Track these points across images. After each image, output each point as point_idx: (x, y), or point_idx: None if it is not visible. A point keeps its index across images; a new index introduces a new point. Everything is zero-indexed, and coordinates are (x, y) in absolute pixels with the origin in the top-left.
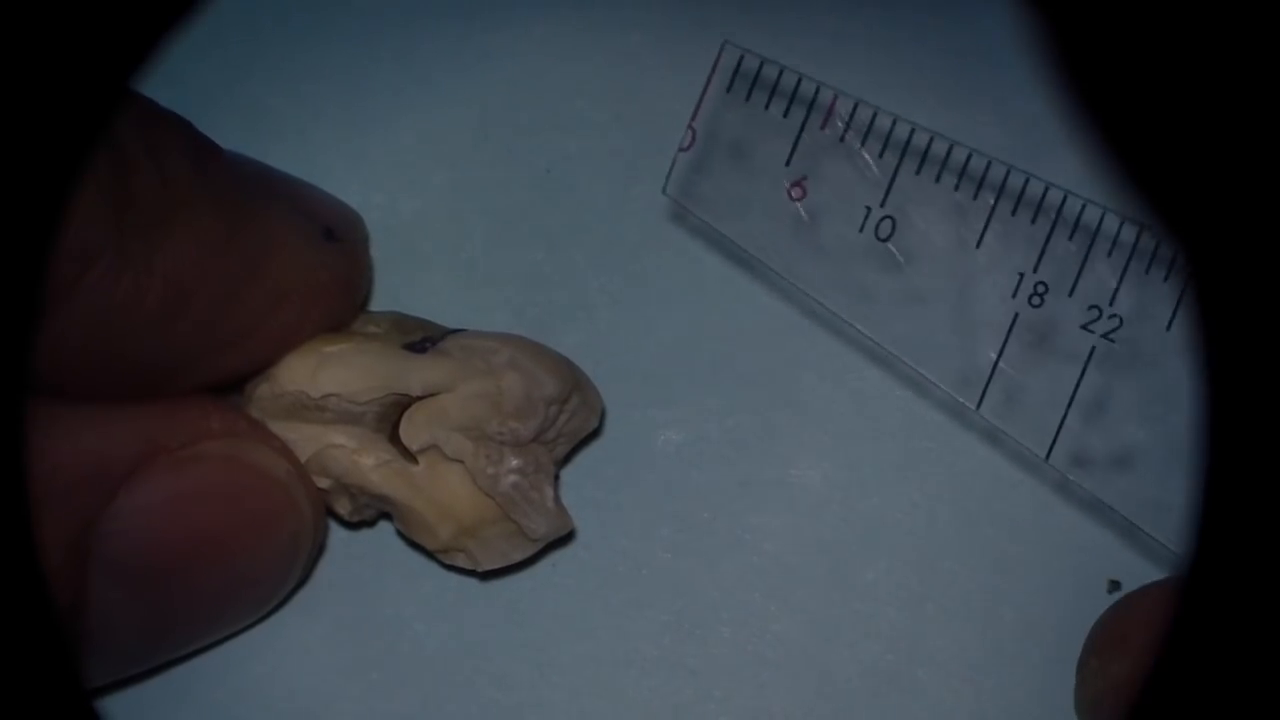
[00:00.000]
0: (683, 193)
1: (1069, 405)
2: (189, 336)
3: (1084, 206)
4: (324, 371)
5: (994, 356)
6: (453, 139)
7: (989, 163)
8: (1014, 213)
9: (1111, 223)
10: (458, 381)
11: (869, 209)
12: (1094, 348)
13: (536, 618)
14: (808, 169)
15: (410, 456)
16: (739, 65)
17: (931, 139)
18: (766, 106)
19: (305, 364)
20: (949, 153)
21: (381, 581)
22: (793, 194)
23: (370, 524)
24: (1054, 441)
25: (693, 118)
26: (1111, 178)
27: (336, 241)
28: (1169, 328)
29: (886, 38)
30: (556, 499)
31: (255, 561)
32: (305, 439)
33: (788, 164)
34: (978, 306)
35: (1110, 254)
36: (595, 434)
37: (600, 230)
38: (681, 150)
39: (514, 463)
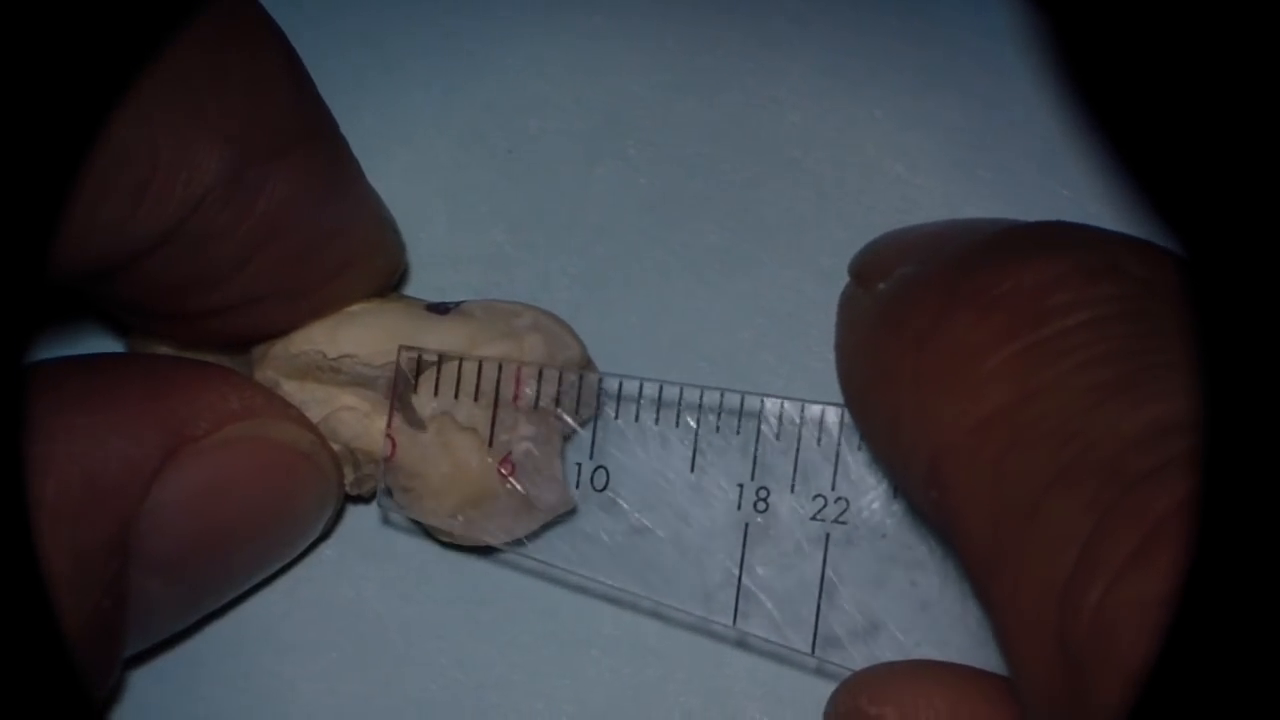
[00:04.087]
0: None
1: (820, 596)
2: (259, 277)
3: (782, 405)
4: (343, 331)
5: (735, 570)
6: (414, 119)
7: (681, 389)
8: (717, 429)
9: (813, 411)
10: (477, 345)
11: (579, 465)
12: (828, 535)
13: (497, 597)
14: (511, 444)
15: (419, 424)
16: (419, 361)
17: (621, 382)
18: (456, 396)
19: (325, 323)
20: (641, 389)
21: (342, 562)
22: (503, 470)
23: (368, 499)
24: (815, 635)
25: (389, 426)
26: (1113, 177)
27: (396, 233)
28: (895, 496)
29: (848, 20)
30: (563, 473)
31: (283, 531)
32: (317, 401)
33: (490, 444)
34: (704, 526)
35: (819, 441)
36: (597, 413)
37: (562, 211)
38: (387, 460)
39: (528, 430)
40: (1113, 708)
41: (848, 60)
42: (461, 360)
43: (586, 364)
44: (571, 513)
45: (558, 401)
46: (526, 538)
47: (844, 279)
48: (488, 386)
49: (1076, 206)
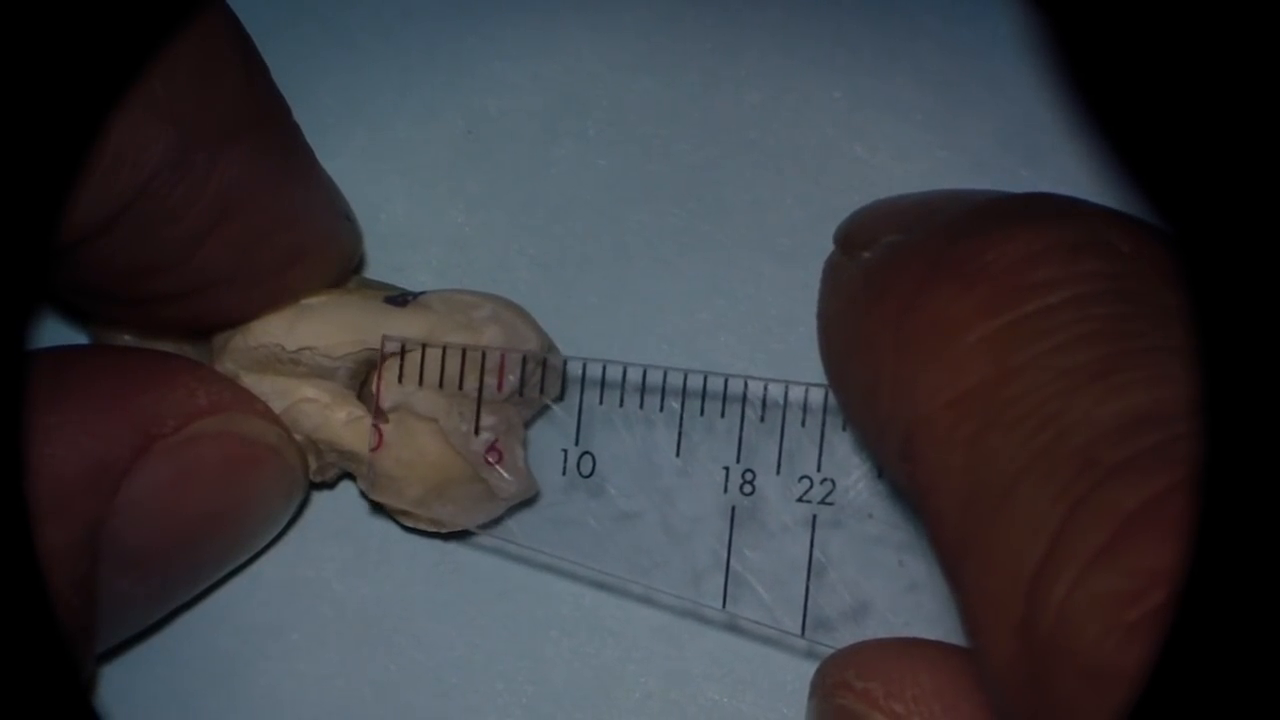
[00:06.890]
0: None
1: (808, 577)
2: (212, 262)
3: (766, 387)
4: (302, 324)
5: (723, 553)
6: (372, 99)
7: (665, 373)
8: (702, 412)
9: (797, 393)
10: (435, 338)
11: (565, 451)
12: (815, 516)
13: (457, 578)
14: (497, 431)
15: (381, 414)
16: (403, 350)
17: (605, 367)
18: (440, 384)
19: (283, 316)
20: (624, 374)
21: (301, 542)
22: (489, 458)
23: (331, 485)
24: (805, 617)
25: (375, 416)
26: (1113, 173)
27: (352, 221)
28: (880, 476)
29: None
30: (525, 460)
31: (251, 525)
32: (277, 392)
33: (476, 433)
34: (690, 509)
35: (804, 423)
36: (559, 399)
37: (520, 192)
38: (373, 451)
39: (487, 420)
40: (1073, 703)
41: (806, 40)
42: (445, 349)
43: (546, 354)
44: (533, 499)
45: (522, 388)
46: (490, 523)
47: (802, 259)
48: (452, 373)
49: (1035, 187)
